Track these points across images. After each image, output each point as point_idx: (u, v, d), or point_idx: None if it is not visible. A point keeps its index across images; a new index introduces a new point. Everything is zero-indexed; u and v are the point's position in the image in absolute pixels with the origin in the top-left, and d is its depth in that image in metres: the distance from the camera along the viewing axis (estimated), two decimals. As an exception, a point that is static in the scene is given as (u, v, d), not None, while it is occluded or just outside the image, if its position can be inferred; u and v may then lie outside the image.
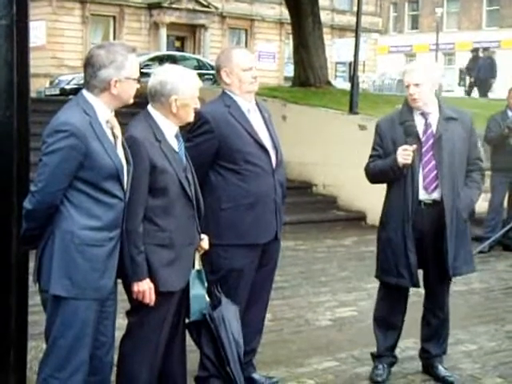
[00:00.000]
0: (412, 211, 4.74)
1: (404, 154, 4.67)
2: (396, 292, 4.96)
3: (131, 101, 3.62)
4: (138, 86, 3.61)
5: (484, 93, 23.23)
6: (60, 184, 3.40)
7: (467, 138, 4.90)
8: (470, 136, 4.93)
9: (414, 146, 4.69)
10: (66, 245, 3.42)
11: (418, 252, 4.78)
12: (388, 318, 5.01)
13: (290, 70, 25.65)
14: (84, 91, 3.56)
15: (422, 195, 4.77)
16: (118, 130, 3.58)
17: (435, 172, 4.76)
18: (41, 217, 3.43)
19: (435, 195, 4.77)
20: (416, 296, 5.33)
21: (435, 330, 5.03)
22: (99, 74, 3.49)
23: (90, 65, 3.52)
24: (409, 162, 4.68)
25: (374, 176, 4.95)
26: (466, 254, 4.90)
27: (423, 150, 4.76)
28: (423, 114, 4.84)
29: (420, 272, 4.90)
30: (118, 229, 3.55)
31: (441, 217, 4.74)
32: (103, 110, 3.52)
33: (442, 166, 4.75)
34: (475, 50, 25.65)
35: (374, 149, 4.96)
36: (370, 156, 4.96)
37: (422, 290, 5.06)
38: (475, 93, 24.41)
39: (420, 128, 4.81)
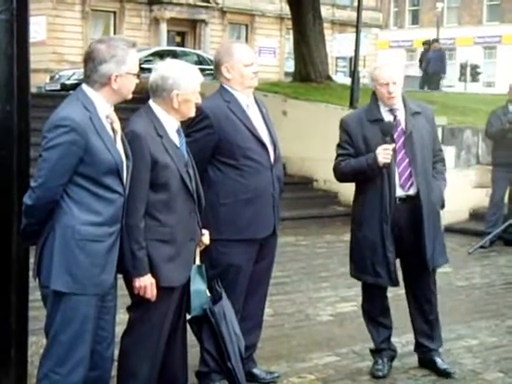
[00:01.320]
0: (390, 210, 4.73)
1: (384, 154, 4.64)
2: (375, 290, 4.96)
3: (130, 96, 3.61)
4: (138, 81, 3.60)
5: (434, 86, 22.26)
6: (60, 179, 3.39)
7: (431, 131, 4.95)
8: (432, 128, 4.98)
9: (393, 145, 4.68)
10: (67, 240, 3.41)
11: (396, 247, 4.79)
12: (374, 314, 5.03)
13: (290, 66, 25.66)
14: (84, 86, 3.55)
15: (398, 192, 4.77)
16: (117, 125, 3.57)
17: (409, 169, 4.76)
18: (41, 212, 3.42)
19: (410, 191, 4.78)
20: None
21: (427, 323, 5.02)
22: (100, 69, 3.48)
23: (90, 59, 3.51)
24: (389, 161, 4.66)
25: (345, 175, 4.90)
26: (440, 245, 4.93)
27: (396, 147, 4.74)
28: (391, 111, 4.82)
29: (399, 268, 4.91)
30: (118, 224, 3.55)
31: (417, 211, 4.75)
32: (103, 104, 3.52)
33: (415, 163, 4.75)
34: (426, 43, 24.84)
35: (342, 147, 4.88)
36: (339, 155, 4.88)
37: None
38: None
39: None
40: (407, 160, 4.77)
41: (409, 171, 4.76)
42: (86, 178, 3.44)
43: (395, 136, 4.76)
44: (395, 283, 4.85)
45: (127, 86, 3.56)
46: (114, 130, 3.55)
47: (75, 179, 3.43)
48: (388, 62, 5.02)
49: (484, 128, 10.07)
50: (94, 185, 3.45)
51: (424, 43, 25.19)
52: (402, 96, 4.88)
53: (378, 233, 4.75)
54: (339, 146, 4.91)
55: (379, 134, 4.73)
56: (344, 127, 4.89)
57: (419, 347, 5.10)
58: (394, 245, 4.78)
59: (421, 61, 24.42)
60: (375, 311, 5.03)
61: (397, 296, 5.50)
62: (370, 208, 4.78)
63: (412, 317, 5.07)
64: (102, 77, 3.49)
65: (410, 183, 4.77)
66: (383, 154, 4.64)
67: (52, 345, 3.51)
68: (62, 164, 3.38)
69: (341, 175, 4.93)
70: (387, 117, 4.81)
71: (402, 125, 4.80)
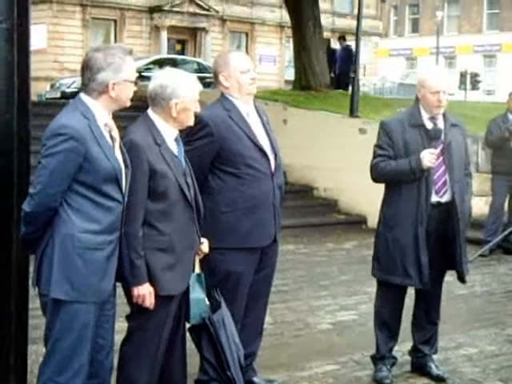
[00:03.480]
0: (426, 214, 4.79)
1: (430, 158, 4.71)
2: (396, 293, 4.98)
3: (128, 104, 3.62)
4: (135, 88, 3.61)
5: (344, 85, 19.56)
6: (59, 186, 3.39)
7: (465, 145, 5.06)
8: (465, 142, 5.09)
9: (438, 150, 4.76)
10: (66, 248, 3.41)
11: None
12: (389, 320, 5.04)
13: (290, 74, 25.66)
14: (82, 95, 3.55)
15: (433, 198, 4.84)
16: (115, 133, 3.58)
17: (445, 177, 4.85)
18: (39, 220, 3.42)
19: (444, 199, 4.87)
20: (411, 299, 5.34)
21: (430, 331, 5.11)
22: (97, 77, 3.49)
23: (87, 68, 3.51)
24: (433, 165, 4.73)
25: (383, 175, 4.93)
26: (466, 254, 5.08)
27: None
28: (432, 119, 4.88)
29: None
30: (117, 232, 3.55)
31: (446, 218, 4.84)
32: (101, 112, 3.52)
33: (452, 171, 4.85)
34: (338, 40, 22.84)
35: (382, 148, 4.93)
36: (378, 155, 4.93)
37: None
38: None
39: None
40: (443, 168, 4.85)
41: (444, 179, 4.86)
42: (85, 186, 3.44)
43: (435, 143, 4.83)
44: (425, 285, 4.87)
45: (125, 94, 3.56)
46: (112, 137, 3.55)
47: (74, 187, 3.43)
48: (440, 71, 5.13)
49: (484, 136, 10.08)
50: (93, 192, 3.45)
51: (337, 38, 23.18)
52: None
53: (411, 236, 4.81)
54: (379, 146, 4.96)
55: (419, 138, 4.81)
56: (385, 129, 4.94)
57: (415, 352, 5.15)
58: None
59: (329, 60, 19.77)
60: (391, 316, 5.04)
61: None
62: (405, 210, 4.84)
63: (416, 321, 5.12)
64: (99, 85, 3.50)
65: (444, 190, 4.86)
66: (429, 157, 4.71)
67: (51, 353, 3.50)
68: (60, 171, 3.38)
69: (379, 175, 4.96)
70: (428, 124, 4.87)
71: (442, 134, 4.87)
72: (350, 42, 20.18)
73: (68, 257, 3.41)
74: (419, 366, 5.13)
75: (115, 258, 3.57)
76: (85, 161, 3.41)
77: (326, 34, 19.12)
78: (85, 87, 3.54)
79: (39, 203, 3.40)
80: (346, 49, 21.35)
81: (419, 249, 4.81)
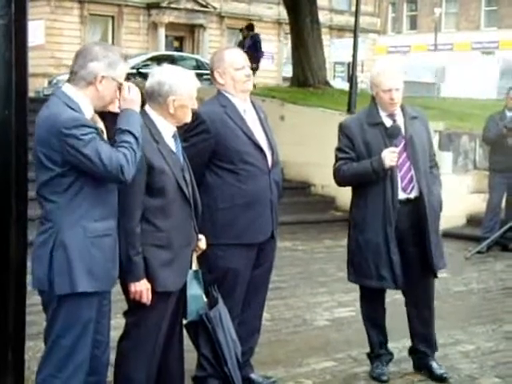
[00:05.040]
0: (394, 213, 4.73)
1: (392, 156, 4.66)
2: (374, 294, 4.97)
3: (111, 108, 3.55)
4: (119, 93, 3.52)
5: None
6: None
7: (427, 135, 4.98)
8: (428, 133, 5.01)
9: (399, 148, 4.71)
10: (81, 240, 3.40)
11: (399, 252, 4.79)
12: (376, 319, 5.04)
13: (288, 70, 25.66)
14: (65, 87, 3.50)
15: (400, 196, 4.79)
16: (101, 126, 3.56)
17: (411, 172, 4.79)
18: None
19: (412, 194, 4.81)
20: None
21: (426, 331, 5.02)
22: (89, 65, 3.45)
23: (81, 56, 3.49)
24: (395, 163, 4.68)
25: (347, 178, 4.88)
26: (440, 249, 4.95)
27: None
28: (391, 116, 4.83)
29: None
30: (116, 217, 3.57)
31: (419, 214, 4.78)
32: (87, 105, 3.47)
33: (417, 166, 4.78)
34: (242, 30, 20.94)
35: (343, 151, 4.86)
36: (340, 158, 4.87)
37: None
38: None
39: None
40: (408, 163, 4.79)
41: (410, 175, 4.79)
42: (88, 176, 3.42)
43: (395, 140, 4.78)
44: (399, 286, 4.85)
45: (109, 92, 3.51)
46: (99, 130, 3.53)
47: (79, 177, 3.41)
48: (390, 68, 4.94)
49: (481, 133, 10.09)
50: (93, 180, 3.43)
51: (241, 30, 21.05)
52: None
53: (381, 236, 4.76)
54: (339, 149, 4.89)
55: (380, 137, 4.75)
56: (344, 131, 4.88)
57: (415, 352, 5.10)
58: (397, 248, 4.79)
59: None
60: (377, 315, 5.03)
61: (393, 301, 5.52)
62: (373, 211, 4.79)
63: (410, 321, 5.07)
64: (89, 74, 3.45)
65: (411, 186, 4.80)
66: (390, 156, 4.66)
67: (52, 349, 3.50)
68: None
69: (342, 179, 4.91)
70: (387, 121, 4.82)
71: (402, 129, 4.82)
72: (349, 38, 20.11)
73: (84, 248, 3.40)
74: (421, 366, 5.06)
75: (117, 245, 3.60)
76: None
77: (323, 31, 19.09)
78: (73, 75, 3.48)
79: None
80: (253, 38, 19.64)
81: (390, 249, 4.75)
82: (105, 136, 3.56)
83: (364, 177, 4.78)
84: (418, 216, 4.79)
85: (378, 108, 4.84)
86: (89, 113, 3.49)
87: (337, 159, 4.91)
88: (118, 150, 3.39)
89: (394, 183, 4.74)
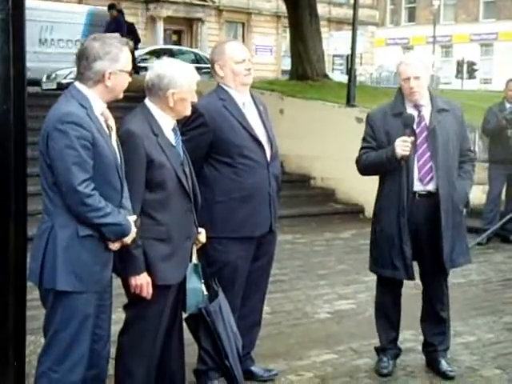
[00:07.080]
0: (407, 203, 4.72)
1: (403, 146, 4.65)
2: (392, 285, 4.96)
3: (121, 95, 3.59)
4: (130, 79, 3.60)
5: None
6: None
7: (459, 130, 4.92)
8: (461, 127, 4.96)
9: (412, 138, 4.68)
10: (70, 239, 3.40)
11: (413, 244, 4.78)
12: (387, 312, 5.02)
13: (287, 64, 25.64)
14: (77, 84, 3.54)
15: (417, 186, 4.76)
16: (112, 122, 3.57)
17: (430, 163, 4.76)
18: None
19: (430, 187, 4.77)
20: (416, 288, 5.35)
21: (438, 323, 5.00)
22: (94, 66, 3.48)
23: (84, 56, 3.50)
24: (407, 153, 4.66)
25: (366, 168, 4.92)
26: (462, 245, 4.91)
27: (418, 141, 4.75)
28: (416, 106, 4.83)
29: (416, 264, 4.90)
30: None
31: (436, 208, 4.74)
32: (97, 101, 3.51)
33: (436, 158, 4.74)
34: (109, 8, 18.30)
35: (365, 140, 4.92)
36: (362, 148, 4.92)
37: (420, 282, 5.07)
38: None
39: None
40: (428, 154, 4.77)
41: (429, 165, 4.76)
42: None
43: (417, 130, 4.77)
44: (411, 277, 4.83)
45: (120, 84, 3.55)
46: (108, 126, 3.54)
47: None
48: (412, 57, 4.95)
49: (481, 125, 10.08)
50: (93, 180, 3.43)
51: (109, 9, 18.29)
52: (430, 93, 4.89)
53: (395, 226, 4.75)
54: (363, 139, 4.95)
55: (401, 127, 4.74)
56: (368, 121, 4.93)
57: (426, 346, 5.08)
58: (411, 240, 4.77)
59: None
60: (388, 309, 5.01)
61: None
62: (388, 201, 4.80)
63: (424, 316, 5.06)
64: (95, 74, 3.48)
65: (429, 177, 4.76)
66: (402, 145, 4.65)
67: (51, 343, 3.51)
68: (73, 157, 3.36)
69: (362, 168, 4.96)
70: (412, 112, 4.81)
71: (426, 120, 4.81)
72: (347, 31, 20.06)
73: (72, 247, 3.40)
74: (430, 361, 5.03)
75: None
76: (93, 147, 3.39)
77: (322, 24, 19.06)
78: (80, 76, 3.53)
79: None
80: (116, 19, 17.56)
81: (402, 240, 4.74)
82: (114, 127, 3.56)
83: (380, 166, 4.80)
84: (433, 210, 4.76)
85: (404, 99, 4.85)
86: (100, 108, 3.51)
87: (360, 148, 4.96)
88: (101, 200, 3.39)
89: (409, 173, 4.73)
